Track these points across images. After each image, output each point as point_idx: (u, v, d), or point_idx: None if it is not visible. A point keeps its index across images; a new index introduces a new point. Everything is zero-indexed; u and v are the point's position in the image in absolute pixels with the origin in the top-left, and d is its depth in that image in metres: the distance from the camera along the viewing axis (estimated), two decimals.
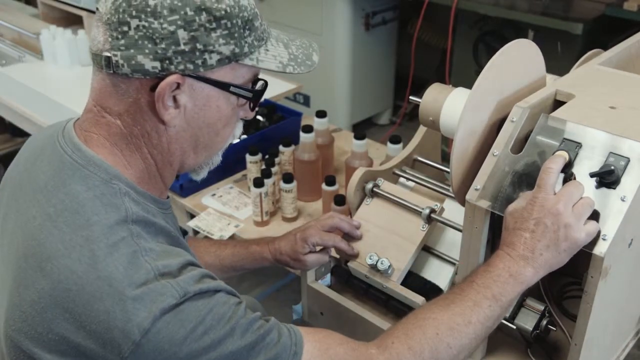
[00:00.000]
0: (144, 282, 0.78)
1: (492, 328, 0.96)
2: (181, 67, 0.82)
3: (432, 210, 1.23)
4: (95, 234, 0.80)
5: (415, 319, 0.94)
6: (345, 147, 2.05)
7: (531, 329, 1.07)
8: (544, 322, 1.08)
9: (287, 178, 1.69)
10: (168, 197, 0.98)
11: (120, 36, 0.81)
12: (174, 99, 0.85)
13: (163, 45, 0.81)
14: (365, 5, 3.27)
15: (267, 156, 1.80)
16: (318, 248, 1.25)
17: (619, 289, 1.04)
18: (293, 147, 1.84)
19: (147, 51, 0.81)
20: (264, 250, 1.26)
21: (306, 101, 3.51)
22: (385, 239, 1.25)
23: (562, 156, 0.95)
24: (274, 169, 1.76)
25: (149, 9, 0.80)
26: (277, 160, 1.82)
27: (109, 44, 0.82)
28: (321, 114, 1.88)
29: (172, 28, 0.81)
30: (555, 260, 0.93)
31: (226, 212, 1.79)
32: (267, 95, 2.22)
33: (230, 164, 1.93)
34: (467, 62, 2.95)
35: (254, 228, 1.72)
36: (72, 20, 2.88)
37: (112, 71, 0.83)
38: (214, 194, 1.87)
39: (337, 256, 1.30)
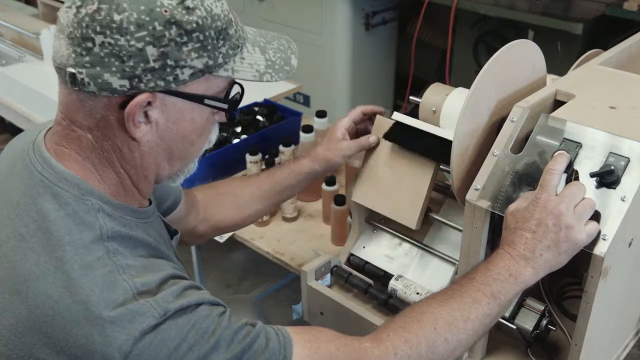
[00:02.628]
0: (122, 303, 0.75)
1: (489, 326, 0.96)
2: (151, 84, 0.78)
3: None
4: (69, 254, 0.77)
5: (413, 313, 0.93)
6: None
7: (531, 329, 1.07)
8: (544, 322, 1.08)
9: None
10: (151, 203, 0.94)
11: (84, 52, 0.76)
12: (145, 114, 0.81)
13: (131, 63, 0.76)
14: (365, 5, 3.27)
15: (267, 156, 1.80)
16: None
17: (619, 289, 1.04)
18: (293, 147, 1.84)
19: (114, 69, 0.76)
20: (302, 166, 1.29)
21: (306, 101, 3.51)
22: (395, 190, 1.25)
23: (566, 157, 0.95)
24: None
25: (114, 25, 0.75)
26: (277, 160, 1.81)
27: (73, 60, 0.77)
28: (321, 114, 1.88)
29: (140, 45, 0.76)
30: (556, 261, 0.93)
31: None
32: (267, 95, 2.22)
33: (230, 164, 1.93)
34: (467, 62, 2.95)
35: (254, 228, 1.71)
36: None
37: (77, 88, 0.78)
38: None
39: (337, 256, 1.29)
